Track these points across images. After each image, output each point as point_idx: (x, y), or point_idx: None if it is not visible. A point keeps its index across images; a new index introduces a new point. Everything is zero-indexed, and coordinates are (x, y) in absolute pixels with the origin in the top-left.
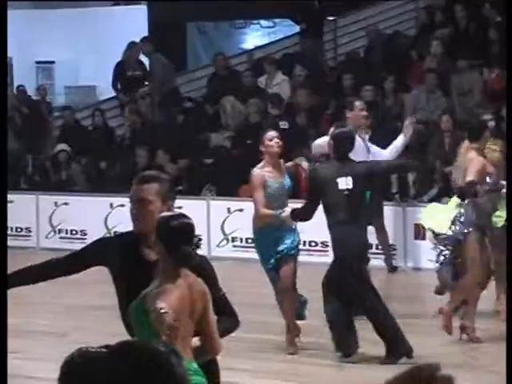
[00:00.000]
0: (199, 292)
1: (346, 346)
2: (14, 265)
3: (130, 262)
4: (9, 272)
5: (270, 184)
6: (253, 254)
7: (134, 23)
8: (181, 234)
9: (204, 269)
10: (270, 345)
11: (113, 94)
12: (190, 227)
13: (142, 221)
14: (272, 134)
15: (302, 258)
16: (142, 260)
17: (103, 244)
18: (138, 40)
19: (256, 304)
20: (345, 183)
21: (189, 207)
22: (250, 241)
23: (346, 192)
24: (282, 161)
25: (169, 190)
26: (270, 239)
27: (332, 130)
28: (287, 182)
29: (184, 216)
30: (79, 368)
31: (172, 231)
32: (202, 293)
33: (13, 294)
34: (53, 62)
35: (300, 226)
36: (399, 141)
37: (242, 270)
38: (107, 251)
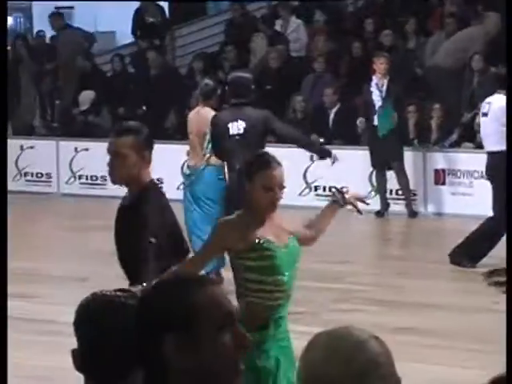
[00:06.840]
0: None
1: None
2: (34, 210)
3: None
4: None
5: None
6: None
7: None
8: None
9: None
10: None
11: (132, 39)
12: None
13: (116, 173)
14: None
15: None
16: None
17: None
18: None
19: None
20: (236, 128)
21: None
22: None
23: (238, 137)
24: None
25: (145, 140)
26: None
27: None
28: None
29: None
30: (94, 311)
31: None
32: None
33: (38, 237)
34: (72, 8)
35: (317, 172)
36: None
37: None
38: None
